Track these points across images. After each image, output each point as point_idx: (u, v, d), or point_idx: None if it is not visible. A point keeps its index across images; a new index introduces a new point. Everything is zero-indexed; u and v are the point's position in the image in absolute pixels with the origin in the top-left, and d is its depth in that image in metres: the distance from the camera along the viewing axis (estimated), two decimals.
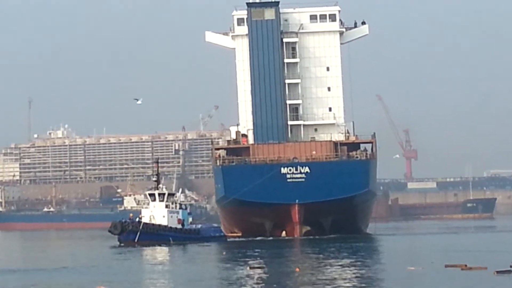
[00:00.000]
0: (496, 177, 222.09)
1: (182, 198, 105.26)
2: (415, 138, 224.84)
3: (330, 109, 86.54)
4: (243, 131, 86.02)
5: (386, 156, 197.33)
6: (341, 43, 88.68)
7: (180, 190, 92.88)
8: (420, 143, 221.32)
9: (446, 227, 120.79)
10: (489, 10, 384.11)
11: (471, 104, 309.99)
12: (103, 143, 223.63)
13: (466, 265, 36.41)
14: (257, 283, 32.32)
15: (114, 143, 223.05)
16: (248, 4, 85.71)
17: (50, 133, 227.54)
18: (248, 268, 40.13)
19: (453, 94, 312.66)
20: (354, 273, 36.31)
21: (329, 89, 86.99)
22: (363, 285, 33.20)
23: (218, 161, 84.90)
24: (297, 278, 34.35)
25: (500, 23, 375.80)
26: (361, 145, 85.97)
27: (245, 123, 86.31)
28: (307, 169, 77.61)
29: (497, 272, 32.85)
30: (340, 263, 43.17)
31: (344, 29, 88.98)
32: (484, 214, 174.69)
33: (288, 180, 77.49)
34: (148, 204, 76.19)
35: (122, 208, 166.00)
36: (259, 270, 38.96)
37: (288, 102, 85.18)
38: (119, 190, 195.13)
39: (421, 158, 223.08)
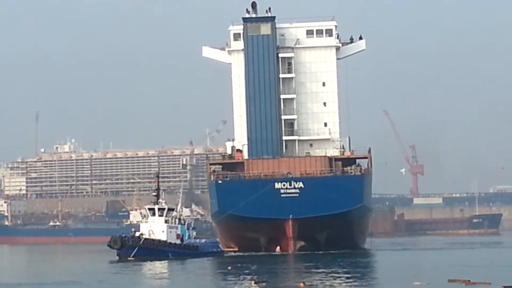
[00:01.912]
0: (502, 192, 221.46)
1: (188, 212, 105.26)
2: (422, 154, 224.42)
3: (325, 124, 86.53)
4: (238, 146, 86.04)
5: (393, 171, 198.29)
6: (337, 58, 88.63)
7: (179, 204, 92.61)
8: (426, 159, 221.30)
9: (451, 242, 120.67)
10: (488, 15, 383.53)
11: (477, 118, 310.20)
12: (110, 158, 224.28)
13: (469, 280, 36.37)
14: None
15: (121, 157, 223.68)
16: (244, 19, 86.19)
17: (57, 148, 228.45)
18: (253, 282, 40.21)
19: (458, 109, 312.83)
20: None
21: (324, 104, 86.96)
22: None
23: (212, 176, 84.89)
24: None
25: (501, 28, 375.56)
26: (358, 160, 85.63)
27: (240, 138, 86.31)
28: (301, 185, 77.65)
29: (504, 287, 32.79)
30: (343, 278, 43.17)
31: (340, 44, 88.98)
32: (490, 230, 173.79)
33: (282, 195, 77.54)
34: (145, 217, 76.58)
35: (128, 222, 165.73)
36: (263, 284, 39.18)
37: (283, 117, 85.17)
38: (125, 205, 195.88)
39: (427, 174, 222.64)
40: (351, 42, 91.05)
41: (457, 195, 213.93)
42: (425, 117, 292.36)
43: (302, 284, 37.99)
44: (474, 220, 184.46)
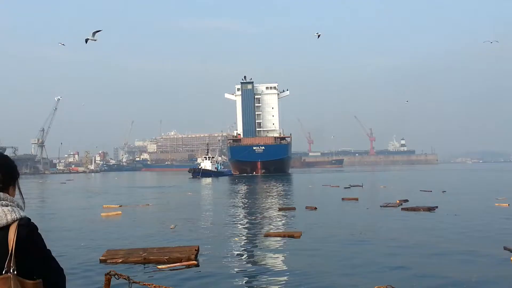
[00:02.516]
0: (344, 150, 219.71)
1: (220, 159, 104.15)
2: (314, 135, 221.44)
3: (273, 124, 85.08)
4: (239, 132, 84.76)
5: (299, 142, 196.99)
6: (278, 98, 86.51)
7: (216, 155, 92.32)
8: (315, 137, 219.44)
9: (324, 170, 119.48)
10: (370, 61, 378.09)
11: (343, 121, 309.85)
12: (191, 137, 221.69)
13: (336, 185, 35.25)
14: (253, 191, 32.43)
15: (194, 137, 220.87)
16: (241, 82, 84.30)
17: (168, 133, 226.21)
18: (246, 186, 39.82)
19: (332, 115, 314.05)
20: (287, 188, 36.05)
21: (273, 116, 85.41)
22: (293, 190, 33.42)
23: (229, 144, 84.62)
24: (268, 189, 34.05)
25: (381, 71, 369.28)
26: (287, 138, 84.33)
27: (240, 130, 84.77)
28: (263, 147, 76.39)
29: (346, 188, 30.99)
30: (279, 183, 42.85)
31: (279, 92, 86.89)
32: (339, 165, 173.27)
33: (256, 152, 76.21)
34: (203, 160, 75.90)
35: (197, 163, 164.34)
36: (251, 186, 38.67)
37: (257, 121, 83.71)
38: (196, 156, 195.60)
39: (315, 143, 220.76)
40: (283, 91, 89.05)
41: (326, 151, 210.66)
42: (316, 119, 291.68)
43: (265, 186, 37.76)
44: (333, 161, 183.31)
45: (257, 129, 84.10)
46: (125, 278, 2.52)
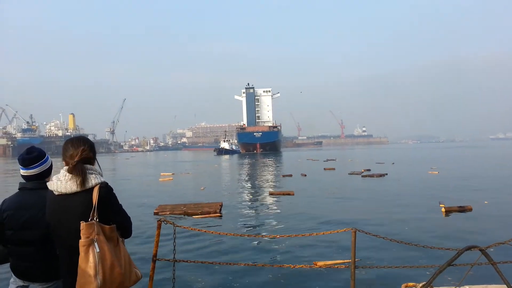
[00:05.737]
0: (323, 135, 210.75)
1: (236, 141, 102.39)
2: (302, 124, 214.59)
3: (268, 117, 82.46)
4: (244, 122, 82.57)
5: (291, 129, 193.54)
6: (272, 99, 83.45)
7: (232, 139, 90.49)
8: (303, 126, 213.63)
9: (308, 150, 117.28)
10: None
11: (317, 114, 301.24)
12: (215, 126, 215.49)
13: (312, 159, 34.02)
14: (257, 164, 30.56)
15: (218, 126, 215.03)
16: (245, 88, 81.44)
17: (200, 124, 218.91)
18: (251, 160, 38.09)
19: (317, 113, 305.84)
20: (281, 162, 33.94)
21: (268, 111, 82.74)
22: (285, 163, 30.91)
23: (237, 131, 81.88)
24: (268, 162, 32.40)
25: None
26: (278, 127, 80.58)
27: (245, 121, 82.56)
28: (261, 133, 73.83)
29: (324, 161, 29.08)
30: (272, 158, 40.84)
31: (272, 94, 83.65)
32: (319, 146, 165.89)
33: (256, 136, 73.59)
34: (223, 143, 74.02)
35: (220, 144, 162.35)
36: (255, 161, 36.66)
37: (256, 115, 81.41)
38: (220, 140, 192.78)
39: (302, 130, 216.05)
40: (276, 94, 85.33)
41: (311, 136, 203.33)
42: (304, 113, 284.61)
43: (268, 160, 35.14)
44: (315, 143, 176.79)
45: (256, 120, 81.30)
46: (171, 223, 2.43)
